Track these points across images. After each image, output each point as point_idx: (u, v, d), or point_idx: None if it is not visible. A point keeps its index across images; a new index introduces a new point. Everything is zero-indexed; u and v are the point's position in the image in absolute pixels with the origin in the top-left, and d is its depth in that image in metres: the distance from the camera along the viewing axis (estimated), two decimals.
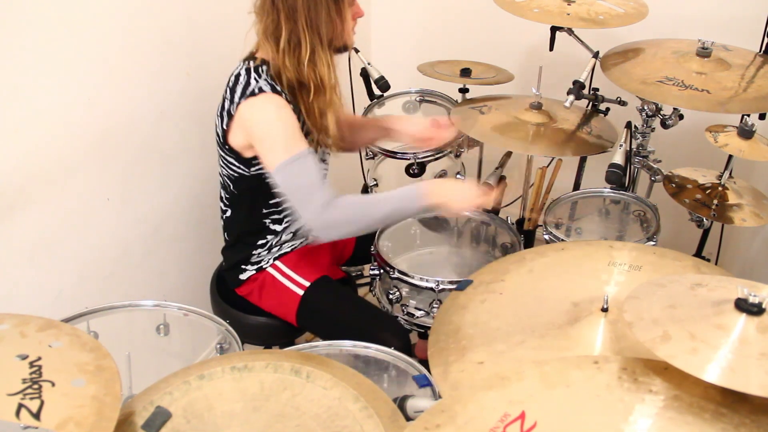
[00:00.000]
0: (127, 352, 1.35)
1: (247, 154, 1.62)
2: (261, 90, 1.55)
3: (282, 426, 1.10)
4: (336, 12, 1.56)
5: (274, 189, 1.63)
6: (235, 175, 1.68)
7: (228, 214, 1.79)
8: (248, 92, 1.55)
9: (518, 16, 1.93)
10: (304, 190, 1.54)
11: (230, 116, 1.59)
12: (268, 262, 1.80)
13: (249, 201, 1.72)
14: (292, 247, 1.83)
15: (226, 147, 1.64)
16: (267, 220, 1.76)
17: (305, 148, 1.55)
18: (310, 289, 1.76)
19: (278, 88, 1.58)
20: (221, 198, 1.79)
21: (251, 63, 1.61)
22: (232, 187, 1.72)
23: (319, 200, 1.52)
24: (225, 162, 1.68)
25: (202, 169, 2.07)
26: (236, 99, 1.57)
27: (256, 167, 1.64)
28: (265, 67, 1.60)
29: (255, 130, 1.57)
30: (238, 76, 1.60)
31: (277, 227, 1.77)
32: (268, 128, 1.55)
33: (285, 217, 1.76)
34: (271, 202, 1.72)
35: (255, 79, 1.57)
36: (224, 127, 1.61)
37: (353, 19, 1.63)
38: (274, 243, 1.80)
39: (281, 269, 1.79)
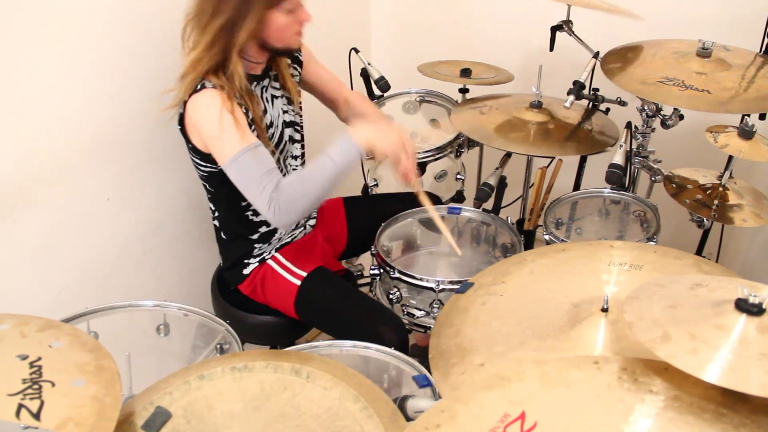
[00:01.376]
0: (127, 352, 1.35)
1: (207, 151, 1.63)
2: (203, 86, 1.56)
3: (282, 426, 1.10)
4: (268, 18, 1.54)
5: None
6: (206, 173, 1.69)
7: (216, 215, 1.81)
8: (191, 89, 1.57)
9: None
10: (253, 182, 1.54)
11: (182, 116, 1.62)
12: (270, 253, 1.81)
13: (226, 196, 1.73)
14: (293, 237, 1.84)
15: (189, 145, 1.65)
16: (248, 213, 1.76)
17: (250, 142, 1.54)
18: (307, 279, 1.77)
19: (221, 84, 1.56)
20: (209, 201, 1.81)
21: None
22: (208, 186, 1.74)
23: (267, 189, 1.52)
24: (195, 163, 1.70)
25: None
26: (182, 96, 1.59)
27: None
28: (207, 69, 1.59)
29: (202, 128, 1.58)
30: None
31: (262, 218, 1.77)
32: (213, 124, 1.54)
33: None
34: None
35: (202, 79, 1.58)
36: (180, 125, 1.64)
37: (297, 23, 1.61)
38: (275, 237, 1.81)
39: (280, 261, 1.81)
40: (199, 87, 1.56)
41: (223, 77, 1.57)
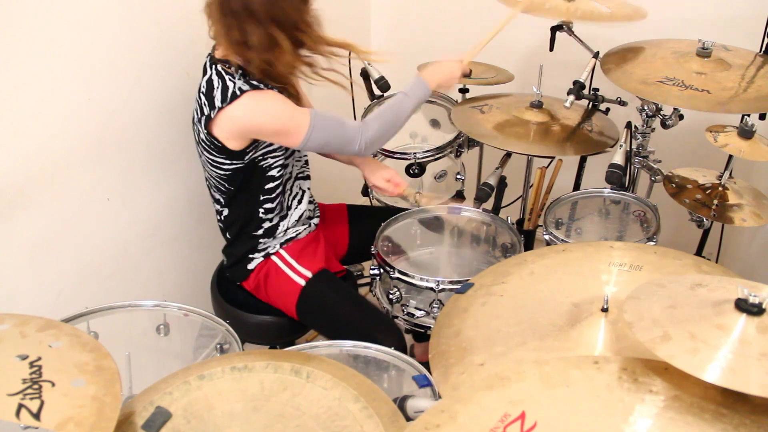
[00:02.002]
0: (127, 352, 1.35)
1: (240, 149, 1.64)
2: (242, 90, 1.58)
3: (282, 426, 1.10)
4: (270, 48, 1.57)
5: (267, 173, 1.72)
6: (229, 172, 1.69)
7: (225, 213, 1.80)
8: (230, 96, 1.58)
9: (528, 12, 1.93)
10: (336, 138, 1.70)
11: (210, 119, 1.61)
12: (274, 248, 1.82)
13: (246, 192, 1.73)
14: (297, 233, 1.84)
15: (218, 146, 1.64)
16: (261, 209, 1.77)
17: (307, 109, 1.66)
18: (312, 280, 1.78)
19: (254, 82, 1.61)
20: (215, 200, 1.80)
21: (218, 66, 1.62)
22: (227, 185, 1.73)
23: (354, 134, 1.71)
24: (215, 164, 1.69)
25: (201, 169, 2.06)
26: (217, 104, 1.59)
27: (249, 155, 1.67)
28: (233, 67, 1.62)
29: (260, 127, 1.63)
30: (210, 81, 1.61)
31: (270, 215, 1.79)
32: (271, 119, 1.63)
33: (278, 205, 1.78)
34: (266, 187, 1.74)
35: (230, 81, 1.60)
36: (207, 130, 1.63)
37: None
38: (279, 231, 1.81)
39: (285, 258, 1.81)
40: (238, 92, 1.58)
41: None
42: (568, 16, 1.99)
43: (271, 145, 1.69)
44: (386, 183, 1.92)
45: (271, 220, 1.79)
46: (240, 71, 1.62)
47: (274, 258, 1.81)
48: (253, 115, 1.60)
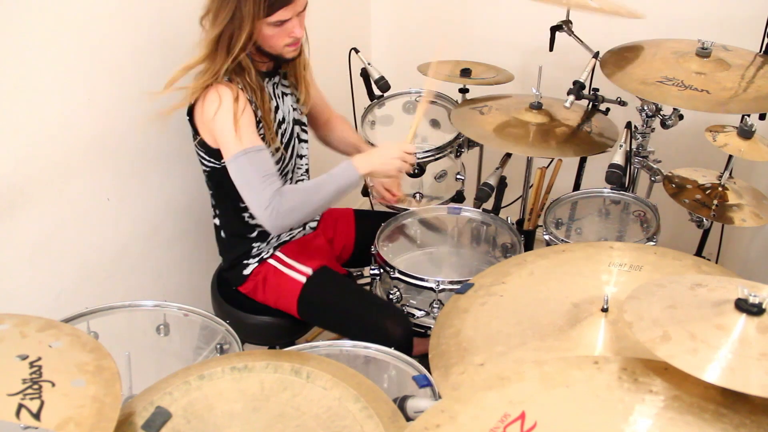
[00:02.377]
0: (127, 352, 1.35)
1: (215, 145, 1.65)
2: (216, 81, 1.60)
3: (282, 426, 1.10)
4: (257, 27, 1.58)
5: None
6: (208, 169, 1.71)
7: (216, 213, 1.82)
8: (202, 83, 1.60)
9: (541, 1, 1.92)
10: (253, 183, 1.59)
11: (191, 109, 1.65)
12: (268, 252, 1.81)
13: (227, 195, 1.73)
14: (291, 236, 1.85)
15: (197, 139, 1.67)
16: (245, 214, 1.77)
17: (257, 144, 1.60)
18: (313, 277, 1.78)
19: (233, 79, 1.62)
20: (210, 198, 1.82)
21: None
22: (210, 183, 1.75)
23: (267, 192, 1.57)
24: (199, 158, 1.72)
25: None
26: (195, 90, 1.62)
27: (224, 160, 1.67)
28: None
29: (211, 121, 1.61)
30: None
31: (257, 221, 1.78)
32: (221, 119, 1.59)
33: None
34: None
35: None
36: (189, 116, 1.67)
37: (288, 35, 1.63)
38: (271, 236, 1.82)
39: (282, 259, 1.81)
40: (212, 82, 1.60)
41: (235, 74, 1.62)
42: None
43: None
44: (384, 191, 1.94)
45: (260, 226, 1.79)
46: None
47: (270, 261, 1.81)
48: (208, 108, 1.60)
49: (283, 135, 1.75)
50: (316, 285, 1.78)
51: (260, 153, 1.60)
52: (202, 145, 1.67)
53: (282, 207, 1.58)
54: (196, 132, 1.68)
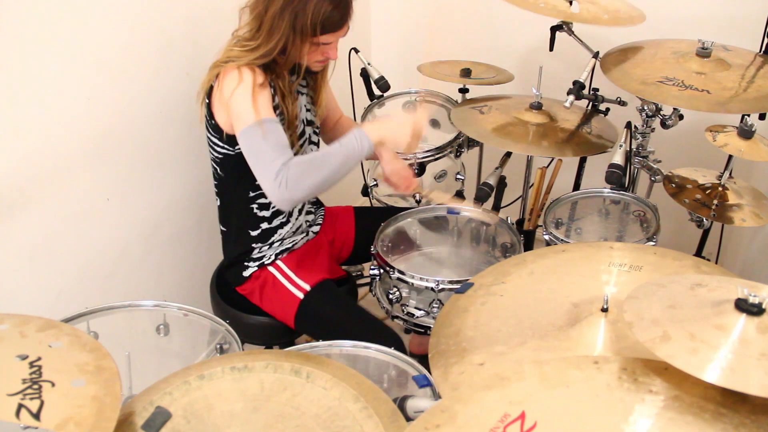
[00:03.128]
0: (127, 352, 1.35)
1: (231, 131, 1.64)
2: (232, 59, 1.61)
3: (282, 426, 1.10)
4: (293, 39, 1.60)
5: None
6: (220, 156, 1.70)
7: (219, 202, 1.81)
8: (221, 60, 1.62)
9: (525, 8, 1.91)
10: (265, 153, 1.54)
11: (211, 89, 1.64)
12: (270, 258, 1.80)
13: (235, 184, 1.73)
14: (293, 243, 1.84)
15: (212, 123, 1.67)
16: (254, 205, 1.77)
17: (270, 116, 1.58)
18: (311, 293, 1.77)
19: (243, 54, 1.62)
20: (215, 188, 1.81)
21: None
22: (219, 170, 1.74)
23: (277, 163, 1.52)
24: (211, 143, 1.71)
25: (201, 169, 2.06)
26: (217, 70, 1.63)
27: (240, 146, 1.66)
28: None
29: (226, 97, 1.60)
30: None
31: (265, 213, 1.78)
32: (236, 94, 1.58)
33: (278, 213, 1.79)
34: (256, 183, 1.69)
35: (230, 49, 1.63)
36: (208, 101, 1.66)
37: (323, 54, 1.67)
38: (275, 239, 1.80)
39: (282, 269, 1.80)
40: (226, 60, 1.61)
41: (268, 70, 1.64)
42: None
43: None
44: (398, 178, 1.90)
45: (269, 221, 1.79)
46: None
47: (270, 268, 1.81)
48: (224, 83, 1.60)
49: (292, 135, 1.74)
50: (314, 301, 1.77)
51: (275, 125, 1.57)
52: (216, 130, 1.67)
53: (291, 176, 1.51)
54: (211, 116, 1.67)
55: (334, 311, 1.79)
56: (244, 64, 1.60)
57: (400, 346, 1.70)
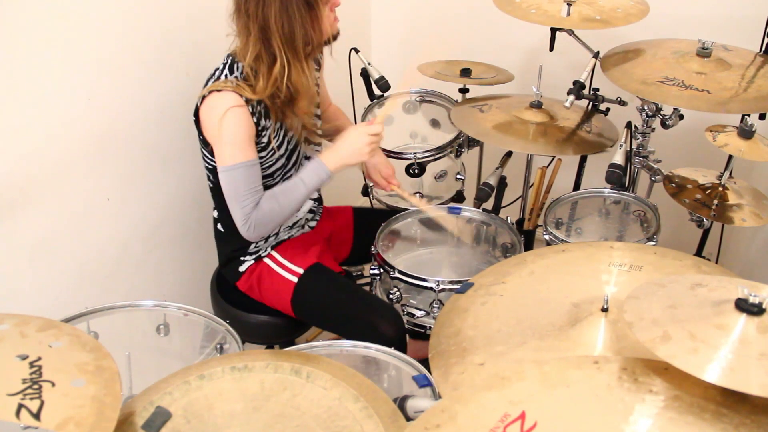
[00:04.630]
0: (127, 352, 1.35)
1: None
2: (220, 90, 1.59)
3: (282, 426, 1.10)
4: (310, 19, 1.57)
5: None
6: (211, 167, 1.71)
7: (214, 204, 1.82)
8: (211, 87, 1.60)
9: (515, 17, 1.93)
10: (240, 196, 1.62)
11: (197, 107, 1.64)
12: (266, 250, 1.81)
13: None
14: (290, 235, 1.85)
15: (200, 137, 1.68)
16: None
17: (251, 158, 1.61)
18: (304, 276, 1.78)
19: (244, 93, 1.59)
20: (210, 191, 1.82)
21: (231, 59, 1.64)
22: (211, 177, 1.75)
23: (248, 207, 1.62)
24: (203, 153, 1.72)
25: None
26: (204, 92, 1.61)
27: None
28: (237, 66, 1.63)
29: (208, 129, 1.62)
30: (216, 69, 1.64)
31: None
32: (219, 130, 1.59)
33: None
34: None
35: (226, 75, 1.62)
36: (194, 117, 1.66)
37: (331, 10, 1.65)
38: (270, 234, 1.81)
39: (276, 259, 1.81)
40: (219, 88, 1.58)
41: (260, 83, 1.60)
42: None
43: None
44: (380, 177, 1.94)
45: None
46: (241, 75, 1.62)
47: (266, 260, 1.82)
48: (210, 114, 1.60)
49: (289, 141, 1.75)
50: (308, 283, 1.78)
51: (253, 168, 1.62)
52: (206, 144, 1.68)
53: (259, 219, 1.63)
54: (200, 131, 1.67)
55: (330, 290, 1.80)
56: (228, 87, 1.58)
57: (398, 320, 1.71)
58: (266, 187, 1.75)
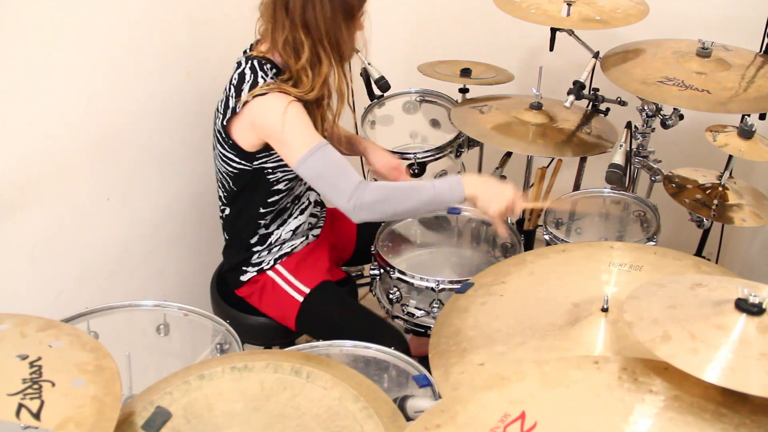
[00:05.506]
0: (127, 352, 1.35)
1: (252, 149, 1.63)
2: (270, 89, 1.57)
3: (282, 426, 1.10)
4: (351, 29, 1.61)
5: (273, 186, 1.69)
6: (235, 171, 1.68)
7: (227, 212, 1.79)
8: (257, 92, 1.57)
9: (516, 16, 1.93)
10: (331, 177, 1.57)
11: (234, 113, 1.60)
12: (269, 263, 1.79)
13: (248, 198, 1.73)
14: (292, 247, 1.83)
15: (229, 142, 1.64)
16: (262, 221, 1.76)
17: (321, 140, 1.58)
18: (310, 295, 1.76)
19: (284, 87, 1.59)
20: (220, 197, 1.79)
21: (255, 61, 1.61)
22: (231, 184, 1.72)
23: (349, 184, 1.55)
24: (225, 158, 1.68)
25: (202, 169, 2.07)
26: (243, 97, 1.57)
27: (260, 161, 1.65)
28: (269, 65, 1.61)
29: (270, 130, 1.58)
30: (243, 74, 1.60)
31: (272, 228, 1.79)
32: (283, 127, 1.56)
33: (277, 217, 1.78)
34: (269, 200, 1.73)
35: (262, 77, 1.59)
36: (225, 123, 1.62)
37: (359, 28, 1.66)
38: (273, 242, 1.80)
39: (282, 273, 1.79)
40: (266, 90, 1.57)
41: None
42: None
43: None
44: (391, 170, 1.92)
45: (266, 227, 1.79)
46: (275, 71, 1.62)
47: (270, 273, 1.79)
48: (267, 115, 1.57)
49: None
50: (315, 304, 1.76)
51: (328, 147, 1.58)
52: (236, 149, 1.64)
53: (367, 199, 1.54)
54: (228, 137, 1.64)
55: (336, 312, 1.79)
56: (279, 90, 1.58)
57: (403, 344, 1.70)
58: (271, 204, 1.74)
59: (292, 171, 1.65)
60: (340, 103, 1.69)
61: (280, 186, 1.72)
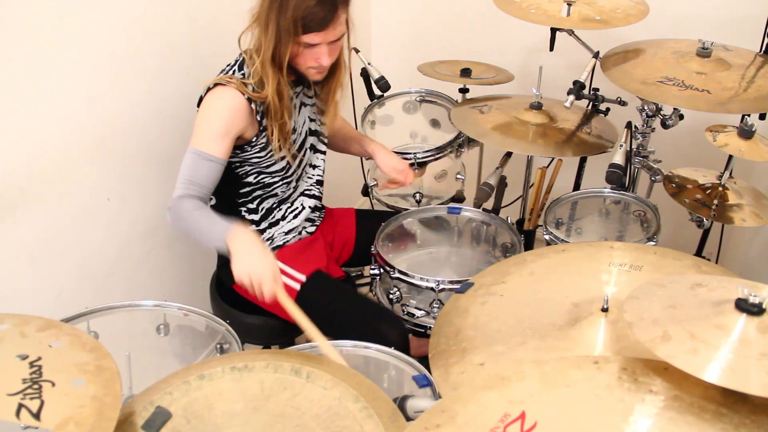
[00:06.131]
0: (127, 352, 1.35)
1: None
2: (224, 84, 1.61)
3: (282, 426, 1.10)
4: (290, 44, 1.59)
5: (243, 179, 1.74)
6: None
7: (212, 203, 1.81)
8: (218, 81, 1.62)
9: (516, 16, 1.93)
10: (181, 179, 1.62)
11: (199, 102, 1.66)
12: None
13: (223, 189, 1.74)
14: (285, 241, 1.84)
15: None
16: (242, 209, 1.79)
17: (212, 154, 1.59)
18: (307, 283, 1.77)
19: (248, 89, 1.61)
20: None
21: (244, 55, 1.66)
22: None
23: (176, 193, 1.61)
24: None
25: None
26: (209, 83, 1.64)
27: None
28: (247, 66, 1.65)
29: (201, 111, 1.64)
30: (228, 64, 1.67)
31: (254, 216, 1.80)
32: (200, 116, 1.63)
33: (259, 205, 1.80)
34: (241, 191, 1.77)
35: (234, 71, 1.65)
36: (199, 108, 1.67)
37: (314, 60, 1.63)
38: (265, 237, 1.81)
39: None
40: (223, 82, 1.61)
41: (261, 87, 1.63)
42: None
43: (245, 153, 1.70)
44: (396, 173, 1.94)
45: (257, 223, 1.80)
46: (247, 74, 1.64)
47: None
48: (203, 104, 1.64)
49: (291, 145, 1.75)
50: (311, 291, 1.76)
51: (208, 162, 1.60)
52: None
53: (173, 213, 1.60)
54: None
55: (334, 298, 1.79)
56: (231, 84, 1.61)
57: (401, 328, 1.70)
58: (265, 185, 1.76)
59: (256, 164, 1.71)
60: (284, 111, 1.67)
61: (250, 179, 1.75)
